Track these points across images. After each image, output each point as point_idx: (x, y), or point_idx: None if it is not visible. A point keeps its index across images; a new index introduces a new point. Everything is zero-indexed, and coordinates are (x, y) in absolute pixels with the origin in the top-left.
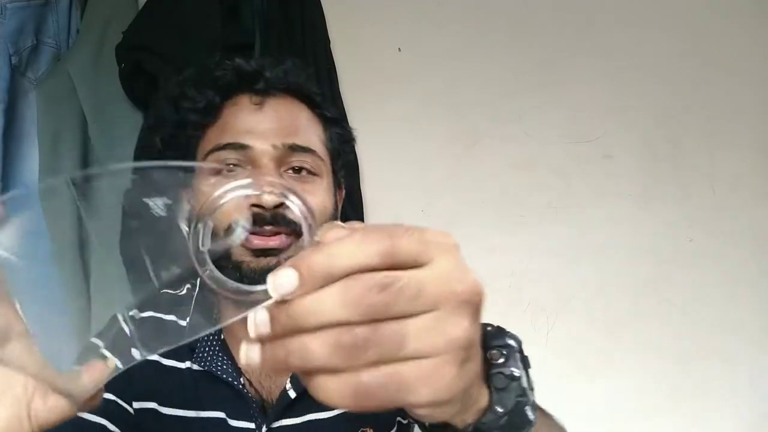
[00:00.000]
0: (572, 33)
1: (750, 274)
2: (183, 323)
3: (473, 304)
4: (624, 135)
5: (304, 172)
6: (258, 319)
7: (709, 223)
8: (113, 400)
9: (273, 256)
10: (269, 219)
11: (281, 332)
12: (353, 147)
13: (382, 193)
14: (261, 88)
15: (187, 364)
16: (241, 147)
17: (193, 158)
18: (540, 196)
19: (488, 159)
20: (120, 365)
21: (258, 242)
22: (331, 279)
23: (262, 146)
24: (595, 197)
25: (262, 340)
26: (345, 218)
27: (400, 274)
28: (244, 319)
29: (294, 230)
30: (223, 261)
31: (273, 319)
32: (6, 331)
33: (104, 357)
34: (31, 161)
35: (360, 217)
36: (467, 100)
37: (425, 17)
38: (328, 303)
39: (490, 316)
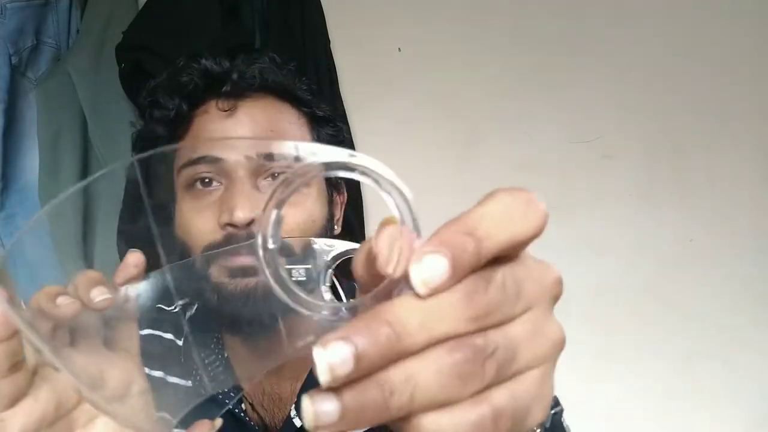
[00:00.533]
0: (572, 33)
1: (750, 274)
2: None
3: (557, 299)
4: (624, 135)
5: None
6: (334, 355)
7: (709, 223)
8: None
9: (253, 276)
10: (244, 238)
11: (374, 364)
12: (348, 147)
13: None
14: (228, 91)
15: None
16: (214, 160)
17: (171, 173)
18: (540, 196)
19: (488, 159)
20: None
21: (234, 261)
22: (476, 268)
23: (236, 157)
24: (595, 197)
25: (338, 387)
26: (346, 221)
27: (495, 266)
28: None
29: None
30: (203, 282)
31: (364, 349)
32: (127, 386)
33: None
34: (31, 161)
35: (360, 217)
36: (467, 100)
37: (425, 17)
38: (451, 307)
39: None
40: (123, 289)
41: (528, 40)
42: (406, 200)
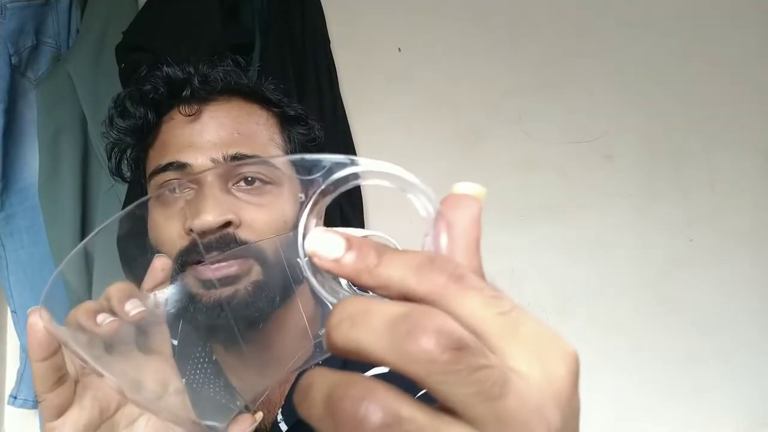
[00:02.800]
0: (572, 33)
1: (750, 274)
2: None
3: None
4: (624, 135)
5: (258, 183)
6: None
7: (709, 223)
8: None
9: (231, 285)
10: (215, 244)
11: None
12: (321, 146)
13: (382, 193)
14: (190, 96)
15: None
16: (181, 166)
17: (144, 180)
18: (540, 196)
19: (488, 159)
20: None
21: (210, 274)
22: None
23: (202, 162)
24: (595, 197)
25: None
26: (344, 219)
27: None
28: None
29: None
30: (179, 294)
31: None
32: (164, 386)
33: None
34: (31, 161)
35: (360, 217)
36: (467, 100)
37: (425, 17)
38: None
39: None
40: (152, 295)
41: (528, 39)
42: (431, 200)
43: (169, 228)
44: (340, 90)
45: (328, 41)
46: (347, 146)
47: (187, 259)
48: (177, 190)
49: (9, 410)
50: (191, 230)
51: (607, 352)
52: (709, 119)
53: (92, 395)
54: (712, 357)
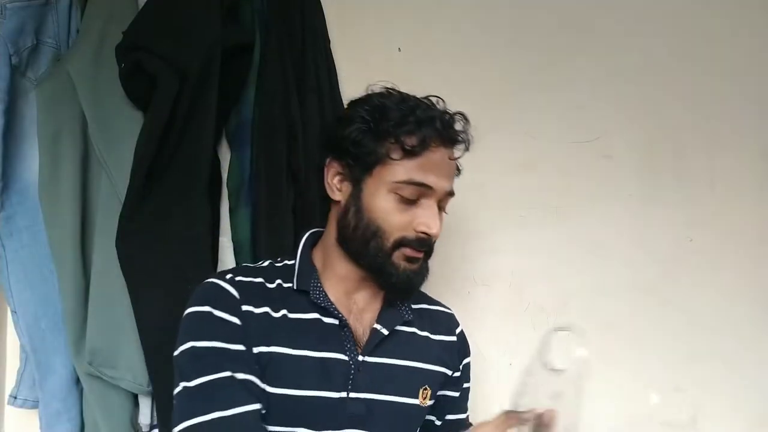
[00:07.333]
0: (572, 33)
1: (750, 274)
2: (276, 315)
3: None
4: (624, 135)
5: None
6: None
7: (709, 223)
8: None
9: (416, 263)
10: (427, 243)
11: None
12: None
13: None
14: (453, 141)
15: (283, 312)
16: (430, 189)
17: (367, 163)
18: (540, 196)
19: (488, 159)
20: None
21: (412, 253)
22: None
23: (440, 192)
24: (595, 197)
25: None
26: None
27: None
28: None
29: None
30: (385, 261)
31: None
32: None
33: None
34: (31, 161)
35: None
36: (467, 100)
37: (425, 17)
38: None
39: (491, 315)
40: None
41: (528, 40)
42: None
43: (400, 218)
44: (340, 90)
45: (328, 41)
46: None
47: (405, 243)
48: (412, 198)
49: (9, 410)
50: (422, 232)
51: (607, 352)
52: (709, 119)
53: None
54: (712, 357)
